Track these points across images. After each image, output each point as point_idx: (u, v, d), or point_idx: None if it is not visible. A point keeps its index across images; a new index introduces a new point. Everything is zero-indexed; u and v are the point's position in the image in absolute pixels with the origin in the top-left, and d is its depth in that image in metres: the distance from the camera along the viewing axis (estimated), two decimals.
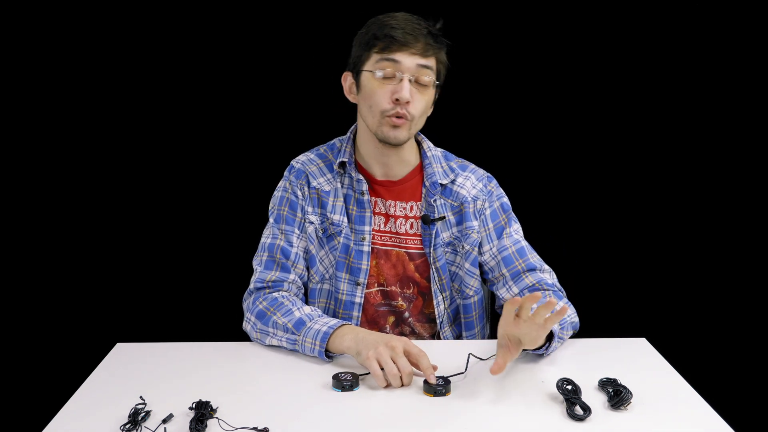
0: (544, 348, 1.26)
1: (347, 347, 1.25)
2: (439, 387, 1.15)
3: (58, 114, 2.03)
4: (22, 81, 2.00)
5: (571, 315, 1.37)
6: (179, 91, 2.05)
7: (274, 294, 1.40)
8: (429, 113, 1.42)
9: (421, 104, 1.34)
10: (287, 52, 2.03)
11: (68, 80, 2.01)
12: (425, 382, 1.16)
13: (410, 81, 1.31)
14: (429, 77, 1.33)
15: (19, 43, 1.98)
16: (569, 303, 1.41)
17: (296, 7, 2.00)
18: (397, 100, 1.31)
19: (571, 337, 1.40)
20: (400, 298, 1.48)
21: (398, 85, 1.31)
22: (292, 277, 1.43)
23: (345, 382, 1.16)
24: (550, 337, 1.26)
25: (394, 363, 1.17)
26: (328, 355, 1.28)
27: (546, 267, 1.46)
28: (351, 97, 1.43)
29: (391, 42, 1.30)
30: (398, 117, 1.33)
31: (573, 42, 2.04)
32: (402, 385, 1.17)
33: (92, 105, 2.04)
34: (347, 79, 1.42)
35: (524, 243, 1.48)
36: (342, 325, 1.29)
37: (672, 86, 2.06)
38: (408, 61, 1.31)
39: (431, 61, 1.33)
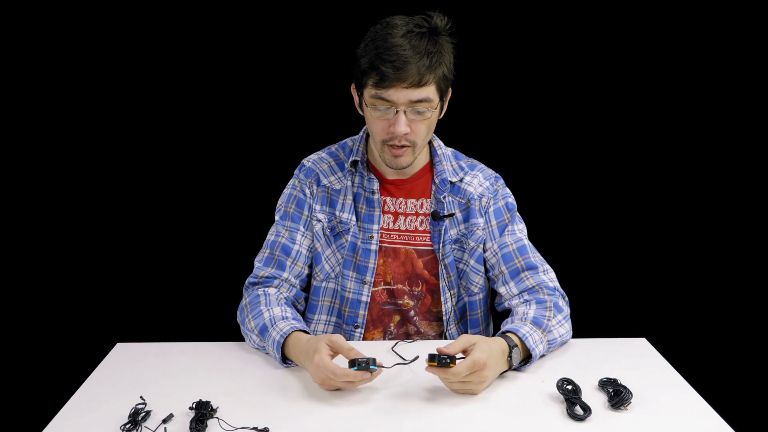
0: (519, 365, 1.26)
1: (301, 364, 1.25)
2: (443, 357, 1.12)
3: (59, 114, 2.03)
4: (23, 81, 1.99)
5: (565, 334, 1.35)
6: (185, 90, 2.04)
7: (258, 291, 1.41)
8: (440, 117, 1.40)
9: (421, 129, 1.33)
10: (298, 53, 2.03)
11: (72, 80, 2.01)
12: (430, 354, 1.13)
13: (405, 112, 1.30)
14: (424, 107, 1.30)
15: (20, 43, 1.98)
16: (567, 318, 1.38)
17: (309, 8, 2.00)
18: (393, 133, 1.31)
19: (570, 337, 1.41)
20: (406, 297, 1.48)
21: (394, 118, 1.30)
22: (285, 275, 1.44)
23: (361, 360, 1.13)
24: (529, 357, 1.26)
25: (332, 379, 1.14)
26: (287, 362, 1.28)
27: (547, 267, 1.45)
28: (360, 111, 1.42)
29: (383, 77, 1.26)
30: (400, 147, 1.33)
31: (582, 43, 2.04)
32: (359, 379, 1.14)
33: (95, 104, 2.04)
34: (354, 93, 1.41)
35: (527, 242, 1.47)
36: (291, 333, 1.27)
37: (672, 88, 2.06)
38: (401, 96, 1.27)
39: (426, 91, 1.28)
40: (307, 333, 1.29)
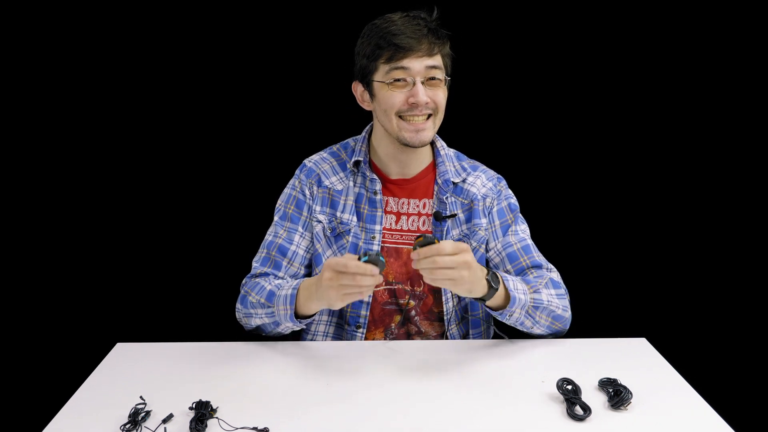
0: (499, 312, 1.30)
1: (315, 308, 1.29)
2: (429, 236, 1.17)
3: (60, 114, 2.03)
4: (23, 81, 1.99)
5: (556, 305, 1.37)
6: (186, 91, 2.04)
7: (256, 279, 1.44)
8: None
9: (440, 96, 1.37)
10: (300, 53, 2.03)
11: (72, 81, 2.01)
12: (416, 237, 1.18)
13: (422, 82, 1.33)
14: (440, 75, 1.35)
15: (20, 44, 1.98)
16: (563, 296, 1.40)
17: (309, 8, 2.00)
18: (414, 103, 1.33)
19: (570, 337, 1.41)
20: (407, 296, 1.48)
21: (413, 90, 1.33)
22: (281, 274, 1.45)
23: (369, 251, 1.17)
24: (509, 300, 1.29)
25: (353, 283, 1.16)
26: (299, 318, 1.31)
27: (551, 266, 1.47)
28: (365, 106, 1.45)
29: (397, 50, 1.31)
30: (421, 117, 1.35)
31: (583, 44, 2.04)
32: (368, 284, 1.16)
33: (96, 104, 2.04)
34: (357, 89, 1.44)
35: (530, 242, 1.48)
36: (301, 284, 1.31)
37: (671, 89, 2.06)
38: (417, 65, 1.32)
39: (438, 59, 1.35)
40: None
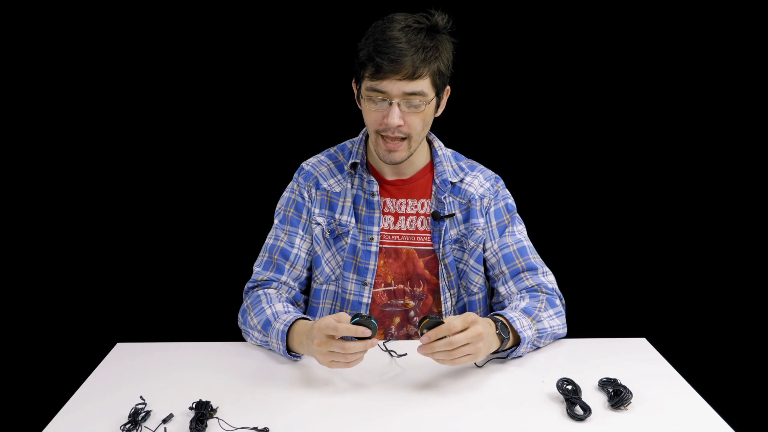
0: (508, 351, 1.28)
1: (306, 353, 1.26)
2: (434, 316, 1.14)
3: (60, 114, 2.03)
4: (23, 81, 1.99)
5: (557, 327, 1.37)
6: (185, 92, 2.04)
7: (258, 292, 1.42)
8: (438, 114, 1.40)
9: (416, 123, 1.32)
10: (298, 55, 2.03)
11: (72, 81, 2.01)
12: (420, 320, 1.15)
13: (398, 104, 1.29)
14: (417, 101, 1.30)
15: (20, 44, 1.98)
16: (560, 314, 1.40)
17: (309, 9, 2.00)
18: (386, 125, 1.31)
19: (570, 337, 1.41)
20: (407, 297, 1.48)
21: (388, 110, 1.30)
22: (284, 278, 1.45)
23: (363, 314, 1.14)
24: (518, 341, 1.28)
25: (341, 352, 1.15)
26: (292, 354, 1.29)
27: (547, 269, 1.46)
28: (360, 105, 1.43)
29: (378, 69, 1.27)
30: (395, 140, 1.33)
31: (581, 44, 2.04)
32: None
33: (96, 105, 2.04)
34: (354, 88, 1.42)
35: (527, 243, 1.48)
36: (294, 321, 1.29)
37: (672, 88, 2.06)
38: (394, 88, 1.28)
39: (420, 84, 1.28)
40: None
